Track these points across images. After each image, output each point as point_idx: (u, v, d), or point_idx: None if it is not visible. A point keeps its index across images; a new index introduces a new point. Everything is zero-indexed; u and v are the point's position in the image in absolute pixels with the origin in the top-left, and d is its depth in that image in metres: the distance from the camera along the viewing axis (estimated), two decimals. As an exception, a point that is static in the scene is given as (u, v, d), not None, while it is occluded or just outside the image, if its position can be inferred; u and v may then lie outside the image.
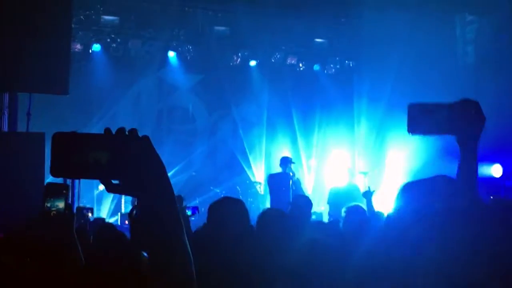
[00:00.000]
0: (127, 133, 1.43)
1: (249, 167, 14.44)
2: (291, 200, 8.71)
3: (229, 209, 3.44)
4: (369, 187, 7.74)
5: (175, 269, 1.38)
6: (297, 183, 10.38)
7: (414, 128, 2.48)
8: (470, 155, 2.53)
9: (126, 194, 1.42)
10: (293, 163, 10.27)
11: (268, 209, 5.11)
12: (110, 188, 1.42)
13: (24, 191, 7.13)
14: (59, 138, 1.39)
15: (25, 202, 6.98)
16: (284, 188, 9.56)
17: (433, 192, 2.14)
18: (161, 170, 1.44)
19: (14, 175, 7.19)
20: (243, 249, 3.18)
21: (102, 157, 1.37)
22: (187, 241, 1.41)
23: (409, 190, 2.15)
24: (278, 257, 3.16)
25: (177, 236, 1.39)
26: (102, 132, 1.42)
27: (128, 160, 1.37)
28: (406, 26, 12.56)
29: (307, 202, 6.45)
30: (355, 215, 5.56)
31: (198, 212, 5.69)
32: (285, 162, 10.09)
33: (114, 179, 1.39)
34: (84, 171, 1.39)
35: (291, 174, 9.91)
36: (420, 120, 2.48)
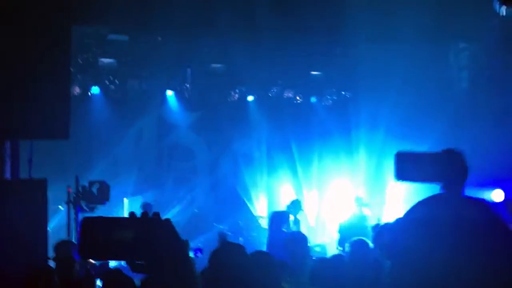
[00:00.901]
0: (150, 216, 1.52)
1: (251, 201, 14.47)
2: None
3: (229, 256, 3.50)
4: (378, 220, 7.81)
5: None
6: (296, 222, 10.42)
7: (401, 175, 2.56)
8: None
9: (150, 273, 1.49)
10: (302, 210, 10.34)
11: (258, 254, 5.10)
12: (134, 268, 1.50)
13: (26, 238, 7.16)
14: (87, 222, 1.49)
15: (28, 249, 7.01)
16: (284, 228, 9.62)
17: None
18: (183, 251, 1.52)
19: (17, 222, 7.22)
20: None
21: (127, 238, 1.45)
22: None
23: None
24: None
25: None
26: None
27: (152, 241, 1.46)
28: (401, 56, 12.74)
29: (303, 243, 6.44)
30: (359, 249, 5.56)
31: (202, 253, 5.74)
32: (295, 206, 10.16)
33: (139, 259, 1.47)
34: (110, 252, 1.48)
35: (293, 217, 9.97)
36: (408, 168, 2.56)
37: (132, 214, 1.54)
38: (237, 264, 3.40)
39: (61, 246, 6.85)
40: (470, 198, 2.58)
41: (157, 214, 1.54)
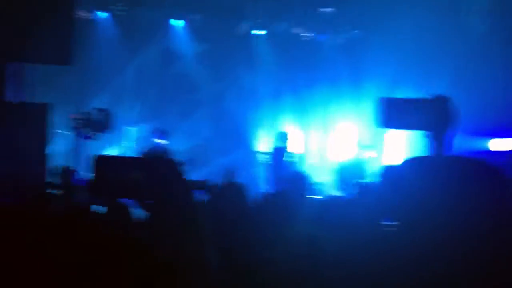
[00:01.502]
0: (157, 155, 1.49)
1: (255, 137, 14.46)
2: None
3: (230, 198, 3.51)
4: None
5: None
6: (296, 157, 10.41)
7: (386, 122, 2.48)
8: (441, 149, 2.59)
9: (156, 212, 1.48)
10: (287, 136, 10.29)
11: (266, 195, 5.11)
12: (144, 207, 1.51)
13: (26, 160, 7.22)
14: (101, 161, 1.47)
15: (28, 170, 7.08)
16: (282, 164, 9.63)
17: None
18: (186, 190, 1.51)
19: (17, 144, 7.27)
20: (242, 234, 3.22)
21: (137, 178, 1.44)
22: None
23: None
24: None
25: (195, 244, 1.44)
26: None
27: (159, 182, 1.45)
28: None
29: (303, 178, 6.42)
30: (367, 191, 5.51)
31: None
32: (281, 137, 10.15)
33: (149, 199, 1.46)
34: (122, 191, 1.47)
35: (286, 148, 9.97)
36: (393, 115, 2.47)
37: (143, 154, 1.49)
38: (238, 204, 3.40)
39: (61, 170, 6.93)
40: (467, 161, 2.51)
41: (165, 156, 1.49)
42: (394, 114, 2.31)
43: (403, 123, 2.29)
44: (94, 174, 1.33)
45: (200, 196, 5.79)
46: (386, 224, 3.81)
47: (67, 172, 7.17)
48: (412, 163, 2.85)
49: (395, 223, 3.46)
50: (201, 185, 4.95)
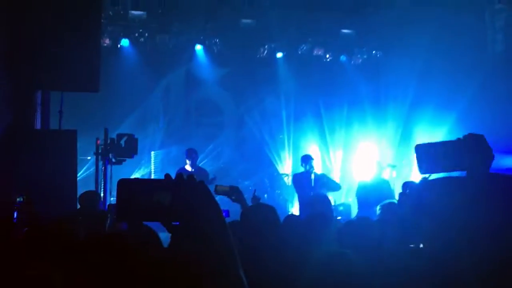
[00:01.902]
0: (185, 178, 1.54)
1: (277, 159, 14.52)
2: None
3: (263, 217, 3.54)
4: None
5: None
6: (322, 177, 10.37)
7: (424, 168, 2.52)
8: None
9: (184, 234, 1.51)
10: (313, 159, 10.26)
11: (288, 217, 5.16)
12: (170, 229, 1.53)
13: (56, 188, 7.30)
14: (123, 184, 1.51)
15: (58, 198, 7.15)
16: (307, 188, 9.60)
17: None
18: (217, 213, 1.53)
19: (47, 172, 7.35)
20: (272, 259, 3.27)
21: (163, 200, 1.47)
22: (241, 274, 1.49)
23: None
24: (300, 270, 3.24)
25: (231, 271, 1.48)
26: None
27: (187, 203, 1.48)
28: (435, 17, 12.46)
29: (325, 201, 6.42)
30: (390, 212, 5.52)
31: (229, 216, 5.81)
32: (305, 160, 10.11)
33: (175, 221, 1.49)
34: (147, 214, 1.50)
35: (312, 171, 9.91)
36: (429, 160, 2.51)
37: (167, 176, 1.56)
38: (268, 225, 3.44)
39: (87, 197, 6.94)
40: (499, 175, 2.53)
41: (192, 177, 1.55)
42: (430, 159, 2.37)
43: (439, 167, 2.34)
44: (117, 198, 1.37)
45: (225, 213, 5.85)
46: (415, 247, 3.82)
47: (94, 198, 7.21)
48: (437, 182, 2.88)
49: (424, 245, 3.47)
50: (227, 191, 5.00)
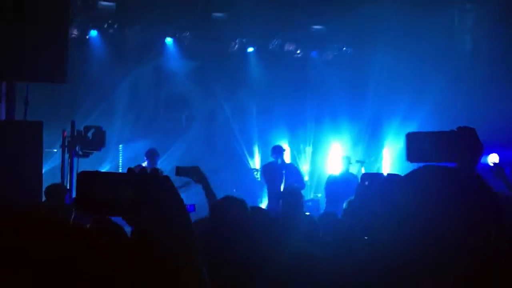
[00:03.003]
0: (148, 172, 1.49)
1: (247, 154, 14.49)
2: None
3: (231, 210, 3.51)
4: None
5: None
6: (292, 168, 10.35)
7: (413, 156, 2.51)
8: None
9: (148, 230, 1.46)
10: (284, 150, 10.24)
11: (255, 210, 5.13)
12: (132, 224, 1.49)
13: (21, 181, 7.17)
14: (84, 177, 1.46)
15: (23, 190, 7.02)
16: (277, 179, 9.58)
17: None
18: (181, 209, 1.49)
19: (12, 164, 7.21)
20: (241, 250, 3.23)
21: (124, 195, 1.42)
22: (202, 268, 1.46)
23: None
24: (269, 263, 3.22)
25: (190, 266, 1.44)
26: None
27: (150, 199, 1.43)
28: (405, 14, 12.57)
29: (297, 196, 6.41)
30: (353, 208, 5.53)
31: (194, 210, 5.76)
32: (277, 151, 10.07)
33: (136, 216, 1.44)
34: (107, 208, 1.45)
35: (282, 162, 9.89)
36: (419, 149, 2.51)
37: (130, 170, 1.50)
38: (238, 218, 3.40)
39: (53, 190, 6.83)
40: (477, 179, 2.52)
41: (156, 170, 1.50)
42: (419, 148, 2.36)
43: (428, 156, 2.33)
44: (76, 190, 1.32)
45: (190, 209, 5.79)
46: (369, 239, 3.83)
47: (60, 191, 7.10)
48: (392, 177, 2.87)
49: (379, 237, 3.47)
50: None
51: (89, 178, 1.45)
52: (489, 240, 1.89)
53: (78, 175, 1.47)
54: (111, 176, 1.49)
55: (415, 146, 2.55)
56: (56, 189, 7.02)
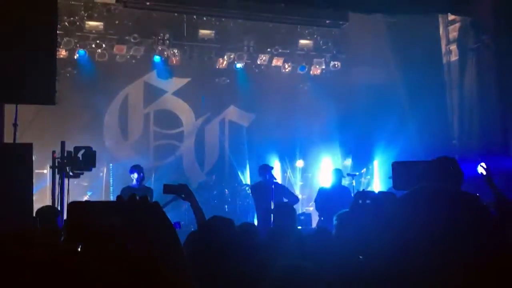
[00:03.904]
0: (138, 199, 1.49)
1: (237, 169, 14.49)
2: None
3: (219, 229, 3.50)
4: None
5: None
6: (282, 187, 10.41)
7: (398, 184, 2.59)
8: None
9: (138, 258, 1.46)
10: (272, 168, 10.26)
11: (246, 226, 5.12)
12: (121, 253, 1.49)
13: (12, 203, 7.10)
14: (74, 207, 1.46)
15: (14, 212, 6.95)
16: (267, 197, 9.58)
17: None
18: (172, 236, 1.49)
19: (2, 186, 7.15)
20: (231, 268, 3.23)
21: (115, 224, 1.42)
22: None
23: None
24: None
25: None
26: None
27: (140, 226, 1.43)
28: (391, 28, 12.69)
29: (290, 212, 6.40)
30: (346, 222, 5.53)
31: (180, 228, 5.74)
32: (264, 170, 10.11)
33: (128, 244, 1.44)
34: (98, 238, 1.45)
35: (271, 179, 9.90)
36: (404, 177, 2.59)
37: (119, 198, 1.51)
38: (225, 238, 3.40)
39: (44, 212, 6.78)
40: (462, 194, 2.58)
41: (145, 199, 1.50)
42: (405, 177, 2.45)
43: (413, 185, 2.42)
44: (67, 222, 1.32)
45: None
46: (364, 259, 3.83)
47: (51, 213, 7.04)
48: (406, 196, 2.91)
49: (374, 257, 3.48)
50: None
51: (79, 208, 1.46)
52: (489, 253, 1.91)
53: (68, 205, 1.48)
54: (100, 205, 1.49)
55: (400, 174, 2.64)
56: (48, 211, 6.95)
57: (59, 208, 8.62)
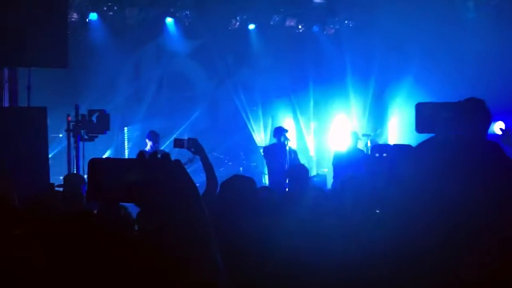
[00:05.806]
0: (159, 156, 1.46)
1: (251, 131, 14.47)
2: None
3: (240, 188, 3.50)
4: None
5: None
6: (294, 152, 10.39)
7: (422, 127, 2.49)
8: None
9: (160, 216, 1.43)
10: (287, 131, 10.21)
11: (263, 189, 5.11)
12: (143, 209, 1.46)
13: (27, 165, 7.16)
14: (94, 164, 1.43)
15: (30, 176, 7.02)
16: (280, 159, 9.56)
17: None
18: (194, 193, 1.46)
19: (17, 150, 7.21)
20: (249, 227, 3.24)
21: (136, 180, 1.39)
22: (216, 256, 1.44)
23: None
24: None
25: (203, 254, 1.42)
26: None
27: (162, 184, 1.40)
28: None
29: (304, 172, 6.37)
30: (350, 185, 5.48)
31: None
32: (279, 132, 10.06)
33: (147, 202, 1.41)
34: (117, 195, 1.43)
35: (286, 143, 9.86)
36: (428, 120, 2.48)
37: (141, 154, 1.47)
38: (247, 196, 3.40)
39: (70, 179, 6.81)
40: (484, 142, 2.50)
41: (167, 155, 1.47)
42: (428, 119, 2.34)
43: (436, 127, 2.31)
44: (88, 178, 1.30)
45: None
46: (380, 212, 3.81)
47: (77, 180, 7.02)
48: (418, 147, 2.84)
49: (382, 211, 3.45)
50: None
51: (99, 165, 1.43)
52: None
53: (89, 162, 1.45)
54: (121, 162, 1.46)
55: (424, 116, 2.53)
56: (74, 179, 6.95)
57: (74, 170, 8.69)
